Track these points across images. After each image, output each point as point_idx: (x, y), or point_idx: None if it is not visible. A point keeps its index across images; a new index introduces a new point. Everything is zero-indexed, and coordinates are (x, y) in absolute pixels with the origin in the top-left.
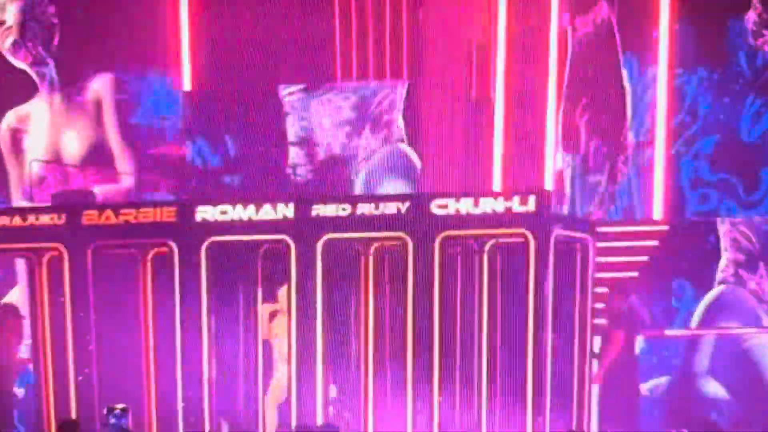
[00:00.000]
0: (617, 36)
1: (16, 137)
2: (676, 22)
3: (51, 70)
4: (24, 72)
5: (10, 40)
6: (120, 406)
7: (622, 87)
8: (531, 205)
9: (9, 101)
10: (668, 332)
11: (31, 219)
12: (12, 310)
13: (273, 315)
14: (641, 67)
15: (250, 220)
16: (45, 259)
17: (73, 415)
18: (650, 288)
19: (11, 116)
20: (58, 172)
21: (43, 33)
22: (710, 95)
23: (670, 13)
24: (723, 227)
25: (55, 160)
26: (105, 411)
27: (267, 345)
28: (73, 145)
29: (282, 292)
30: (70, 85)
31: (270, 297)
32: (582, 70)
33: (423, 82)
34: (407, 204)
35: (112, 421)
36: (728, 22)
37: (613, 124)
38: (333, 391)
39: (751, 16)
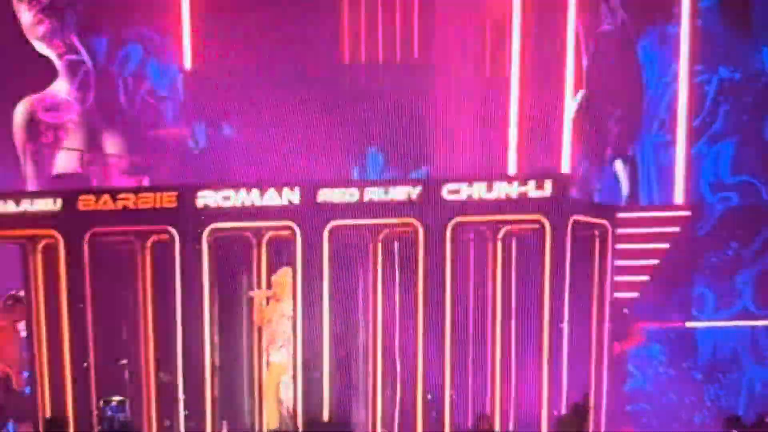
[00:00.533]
0: (635, 36)
1: (33, 124)
2: (698, 19)
3: (88, 62)
4: (41, 57)
5: (43, 27)
6: (117, 398)
7: (641, 86)
8: (547, 189)
9: (25, 86)
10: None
11: (26, 204)
12: (17, 298)
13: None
14: (661, 66)
15: (253, 205)
16: (40, 247)
17: (69, 408)
18: (669, 295)
19: (30, 102)
20: (101, 164)
21: (78, 19)
22: (732, 94)
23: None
24: None
25: (98, 152)
26: (101, 404)
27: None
28: (116, 140)
29: (275, 278)
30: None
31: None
32: (600, 70)
33: (435, 63)
34: (418, 189)
35: (109, 414)
36: (751, 19)
37: (631, 124)
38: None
39: None
